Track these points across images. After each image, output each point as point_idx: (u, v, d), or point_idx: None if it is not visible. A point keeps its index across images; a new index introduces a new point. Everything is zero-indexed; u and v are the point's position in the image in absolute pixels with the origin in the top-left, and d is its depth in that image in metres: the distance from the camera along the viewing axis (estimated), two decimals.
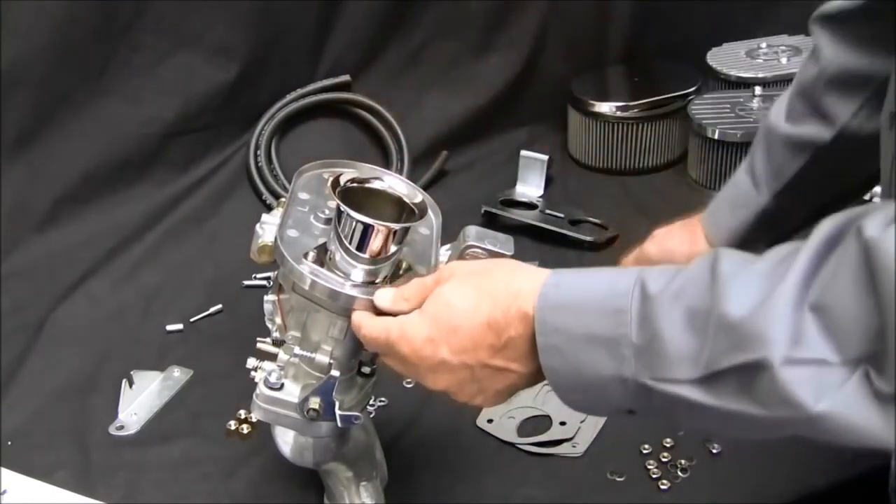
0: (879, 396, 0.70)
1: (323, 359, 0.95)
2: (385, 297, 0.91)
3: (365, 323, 0.90)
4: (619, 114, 1.71)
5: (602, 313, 0.79)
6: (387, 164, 1.72)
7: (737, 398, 0.74)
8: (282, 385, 0.96)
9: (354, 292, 0.92)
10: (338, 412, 0.94)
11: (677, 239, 1.22)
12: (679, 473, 1.15)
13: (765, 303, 0.72)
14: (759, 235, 1.16)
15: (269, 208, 1.47)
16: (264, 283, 1.46)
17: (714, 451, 1.17)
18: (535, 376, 0.85)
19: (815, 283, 0.71)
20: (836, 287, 0.70)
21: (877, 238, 0.68)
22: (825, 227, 0.73)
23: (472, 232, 0.93)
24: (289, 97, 1.73)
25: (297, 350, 0.97)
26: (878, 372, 0.70)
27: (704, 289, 0.75)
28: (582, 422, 1.21)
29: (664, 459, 1.16)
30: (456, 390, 0.88)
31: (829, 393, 0.70)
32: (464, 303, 0.84)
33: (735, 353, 0.73)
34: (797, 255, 0.73)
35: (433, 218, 1.04)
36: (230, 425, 1.23)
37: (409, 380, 1.30)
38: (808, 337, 0.71)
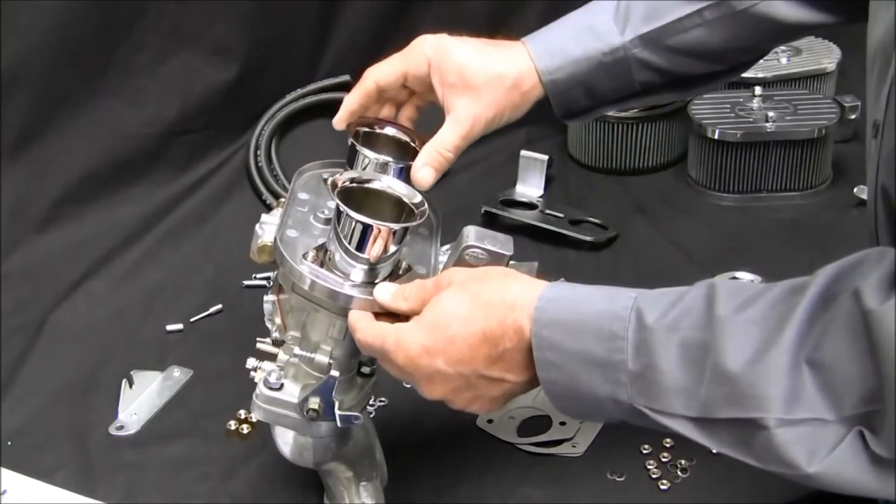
0: (875, 459, 0.70)
1: (322, 359, 0.95)
2: (385, 291, 0.91)
3: (361, 326, 0.90)
4: (619, 114, 1.71)
5: (598, 336, 0.79)
6: None
7: (732, 447, 0.76)
8: (282, 385, 0.96)
9: (354, 292, 0.92)
10: (338, 412, 0.94)
11: (480, 57, 1.05)
12: (679, 473, 1.15)
13: (761, 358, 0.72)
14: (605, 84, 1.08)
15: (269, 208, 1.47)
16: (264, 283, 1.46)
17: (714, 451, 1.17)
18: (530, 384, 0.85)
19: (811, 338, 0.72)
20: (834, 345, 0.71)
21: (877, 311, 0.69)
22: (821, 279, 0.74)
23: (472, 232, 0.93)
24: (289, 97, 1.72)
25: (296, 350, 0.97)
26: (872, 433, 0.70)
27: (700, 324, 0.76)
28: (582, 422, 1.21)
29: (664, 459, 1.16)
30: (452, 398, 0.88)
31: (823, 453, 0.72)
32: (460, 312, 0.84)
33: (731, 407, 0.74)
34: (793, 306, 0.73)
35: (433, 218, 1.04)
36: (230, 425, 1.23)
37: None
38: (805, 394, 0.71)
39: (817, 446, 0.72)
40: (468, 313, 0.84)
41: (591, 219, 1.59)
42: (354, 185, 0.94)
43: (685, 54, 1.08)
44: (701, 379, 0.75)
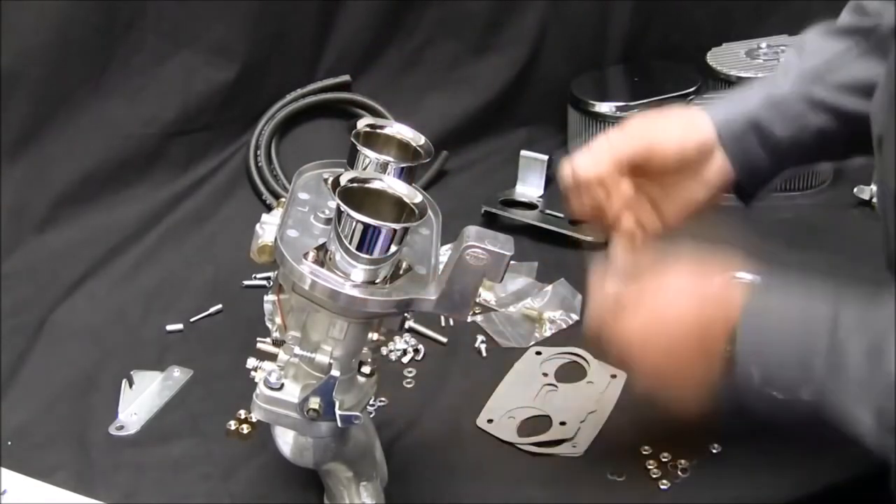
0: None
1: (323, 359, 0.95)
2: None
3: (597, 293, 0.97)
4: (619, 114, 1.70)
5: (794, 355, 0.86)
6: None
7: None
8: (282, 385, 0.96)
9: (354, 292, 0.92)
10: (338, 412, 0.94)
11: (664, 125, 1.05)
12: (679, 473, 1.15)
13: None
14: (780, 128, 1.04)
15: (269, 208, 1.47)
16: (264, 283, 1.46)
17: (714, 451, 1.17)
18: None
19: None
20: None
21: None
22: None
23: (472, 232, 0.93)
24: (289, 97, 1.73)
25: (297, 350, 0.97)
26: None
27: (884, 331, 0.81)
28: (582, 422, 1.21)
29: (664, 459, 1.16)
30: (654, 381, 0.95)
31: None
32: (677, 307, 0.91)
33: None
34: None
35: (433, 218, 1.04)
36: (230, 425, 1.23)
37: (408, 380, 1.30)
38: None
39: None
40: (683, 309, 0.91)
41: None
42: (355, 184, 0.94)
43: (853, 91, 1.03)
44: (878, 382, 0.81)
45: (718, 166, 1.05)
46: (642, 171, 1.02)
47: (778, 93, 1.04)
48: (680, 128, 1.03)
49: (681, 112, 1.05)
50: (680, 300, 0.91)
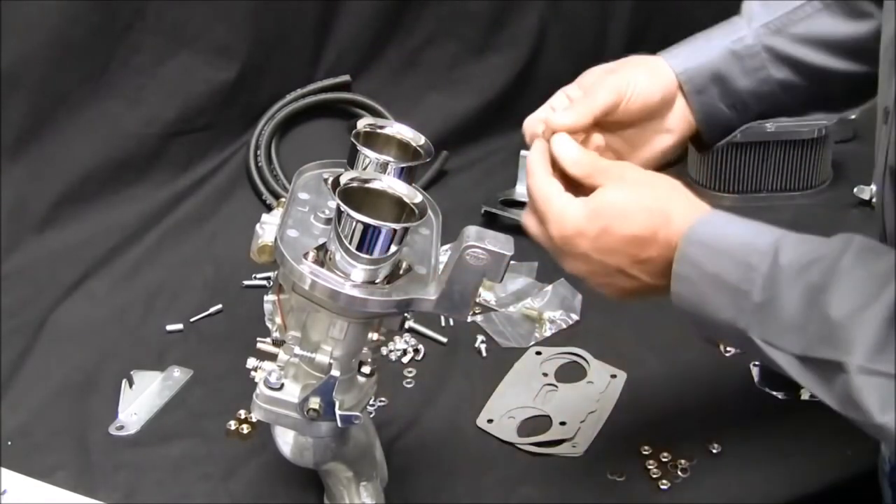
0: None
1: (323, 359, 0.95)
2: (569, 150, 0.93)
3: (538, 178, 0.93)
4: None
5: (735, 262, 0.84)
6: None
7: (817, 387, 0.80)
8: (282, 385, 0.96)
9: (354, 292, 0.92)
10: (338, 412, 0.94)
11: (629, 76, 1.03)
12: (679, 473, 1.15)
13: (863, 310, 0.76)
14: (741, 81, 1.04)
15: (269, 208, 1.47)
16: (264, 283, 1.46)
17: (714, 451, 1.18)
18: (661, 291, 0.90)
19: None
20: None
21: None
22: None
23: (472, 232, 0.93)
24: (289, 97, 1.73)
25: (297, 350, 0.97)
26: None
27: (826, 271, 0.80)
28: (582, 422, 1.21)
29: (664, 459, 1.16)
30: (586, 278, 0.93)
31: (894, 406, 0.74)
32: (623, 210, 0.89)
33: (824, 347, 0.78)
34: None
35: (433, 218, 1.04)
36: (230, 425, 1.23)
37: (408, 380, 1.30)
38: (890, 350, 0.74)
39: (891, 399, 0.74)
40: (629, 213, 0.88)
41: None
42: (355, 184, 0.94)
43: (816, 45, 1.03)
44: (811, 320, 0.79)
45: (680, 115, 1.04)
46: (605, 124, 1.01)
47: (740, 44, 1.04)
48: (644, 77, 1.02)
49: (641, 61, 1.05)
50: (626, 206, 0.89)
